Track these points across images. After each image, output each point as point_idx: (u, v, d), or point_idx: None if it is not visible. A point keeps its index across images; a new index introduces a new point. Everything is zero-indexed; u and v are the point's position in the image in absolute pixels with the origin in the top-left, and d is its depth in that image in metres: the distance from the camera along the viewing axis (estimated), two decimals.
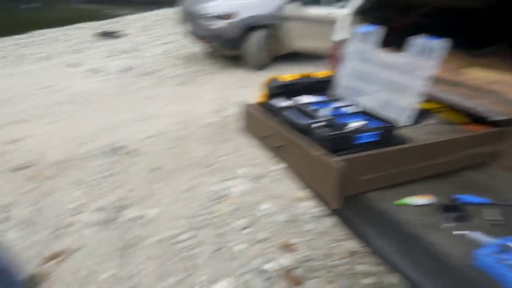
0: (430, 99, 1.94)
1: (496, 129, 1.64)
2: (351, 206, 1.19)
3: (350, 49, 1.62)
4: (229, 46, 5.55)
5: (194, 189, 2.52)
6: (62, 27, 10.03)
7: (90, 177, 2.68)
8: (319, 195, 1.29)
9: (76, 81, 5.30)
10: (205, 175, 2.68)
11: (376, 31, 1.56)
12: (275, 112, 1.45)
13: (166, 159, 2.93)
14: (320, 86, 1.71)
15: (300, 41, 5.68)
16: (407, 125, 1.73)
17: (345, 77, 1.64)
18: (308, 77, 1.71)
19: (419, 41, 1.32)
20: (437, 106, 1.90)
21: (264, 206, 2.32)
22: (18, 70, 5.93)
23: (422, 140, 1.37)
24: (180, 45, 7.35)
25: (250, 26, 5.47)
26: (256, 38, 5.56)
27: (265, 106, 1.55)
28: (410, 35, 2.55)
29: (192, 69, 5.82)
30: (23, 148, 3.12)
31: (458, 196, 1.23)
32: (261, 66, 5.74)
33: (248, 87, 4.78)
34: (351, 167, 1.06)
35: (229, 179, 2.62)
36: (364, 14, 2.22)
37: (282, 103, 1.47)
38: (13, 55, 6.96)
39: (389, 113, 1.40)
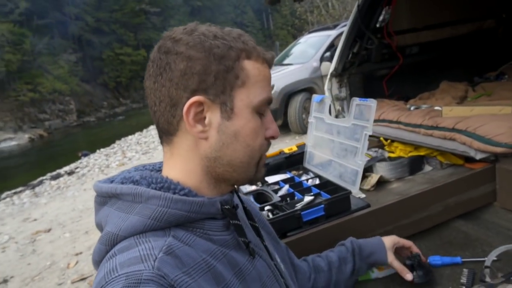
0: (417, 145, 1.86)
1: (486, 167, 1.50)
2: None
3: (311, 120, 1.68)
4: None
5: None
6: (141, 132, 11.63)
7: None
8: None
9: None
10: None
11: (327, 99, 1.61)
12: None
13: None
14: (293, 160, 1.76)
15: None
16: (402, 177, 1.67)
17: (310, 147, 1.67)
18: (280, 153, 1.78)
19: (354, 103, 1.35)
20: (429, 151, 1.80)
21: None
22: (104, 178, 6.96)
23: (385, 202, 1.31)
24: None
25: (289, 94, 5.77)
26: (296, 103, 5.80)
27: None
28: (406, 77, 2.51)
29: None
30: (90, 257, 3.56)
31: (430, 258, 1.13)
32: (305, 129, 5.86)
33: None
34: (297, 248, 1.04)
35: None
36: (341, 75, 2.28)
37: (248, 187, 1.55)
38: (100, 165, 8.20)
39: (345, 179, 1.38)
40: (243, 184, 0.68)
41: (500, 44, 2.81)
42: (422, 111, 2.01)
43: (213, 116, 0.58)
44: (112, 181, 0.60)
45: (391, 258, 0.98)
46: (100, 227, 0.58)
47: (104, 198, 0.59)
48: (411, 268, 1.00)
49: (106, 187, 0.58)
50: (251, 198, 1.37)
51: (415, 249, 1.04)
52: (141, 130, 11.83)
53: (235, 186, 0.68)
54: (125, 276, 0.45)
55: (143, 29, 26.49)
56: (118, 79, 24.68)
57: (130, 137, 11.28)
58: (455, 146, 1.64)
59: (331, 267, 0.95)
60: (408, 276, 0.97)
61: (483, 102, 2.11)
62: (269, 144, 0.67)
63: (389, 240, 1.01)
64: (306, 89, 5.90)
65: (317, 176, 1.55)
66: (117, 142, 10.88)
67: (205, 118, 0.58)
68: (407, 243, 1.04)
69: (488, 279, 0.97)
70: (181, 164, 0.61)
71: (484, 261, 1.06)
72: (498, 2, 2.73)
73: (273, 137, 0.66)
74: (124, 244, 0.51)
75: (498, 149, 1.44)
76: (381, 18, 2.22)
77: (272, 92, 5.68)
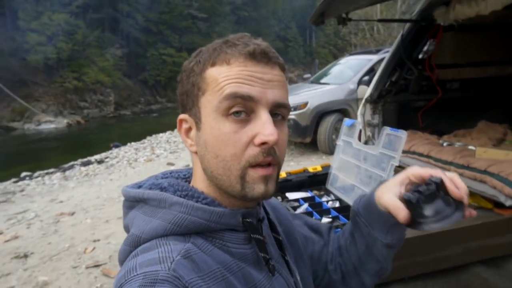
0: None
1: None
2: None
3: (339, 142, 1.67)
4: (301, 134, 5.86)
5: None
6: (172, 131, 11.91)
7: None
8: None
9: None
10: None
11: (358, 124, 1.60)
12: None
13: None
14: (317, 180, 1.76)
15: None
16: None
17: (335, 170, 1.67)
18: (304, 171, 1.79)
19: (385, 132, 1.34)
20: None
21: None
22: (130, 171, 7.17)
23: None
24: None
25: (322, 113, 5.76)
26: (328, 123, 5.78)
27: None
28: (443, 112, 2.45)
29: None
30: (106, 245, 3.67)
31: None
32: (333, 150, 5.82)
33: None
34: None
35: None
36: (376, 102, 2.26)
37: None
38: (129, 158, 8.46)
39: None
40: (243, 201, 0.59)
41: None
42: (455, 149, 1.96)
43: (193, 130, 0.61)
44: (140, 187, 0.63)
45: (382, 198, 0.65)
46: (127, 229, 0.60)
47: (132, 203, 0.61)
48: (415, 204, 0.58)
49: (134, 192, 0.60)
50: None
51: (439, 174, 0.60)
52: (172, 129, 12.11)
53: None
54: (143, 276, 0.47)
55: (188, 33, 27.34)
56: (157, 78, 25.49)
57: (161, 134, 11.57)
58: (485, 188, 1.59)
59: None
60: (401, 215, 0.59)
61: None
62: (263, 152, 0.55)
63: (393, 179, 0.66)
64: (340, 110, 5.87)
65: (338, 199, 1.54)
66: (148, 138, 11.19)
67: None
68: (425, 172, 0.62)
69: None
70: (199, 176, 0.62)
71: None
72: None
73: (264, 144, 0.54)
74: (146, 245, 0.54)
75: None
76: (424, 49, 2.20)
77: (305, 108, 5.70)
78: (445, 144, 2.08)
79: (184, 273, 0.48)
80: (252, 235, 0.60)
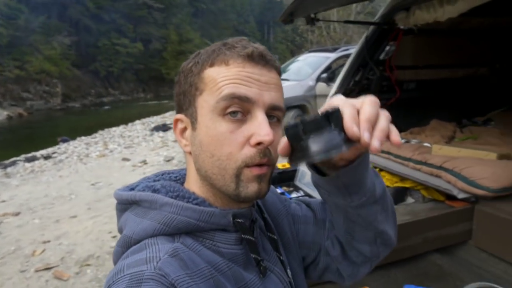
0: (403, 177, 1.91)
1: (466, 206, 1.56)
2: None
3: None
4: None
5: None
6: (126, 125, 11.45)
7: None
8: None
9: (125, 174, 5.87)
10: None
11: None
12: None
13: None
14: (285, 177, 1.77)
15: None
16: None
17: (303, 166, 1.69)
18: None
19: None
20: (413, 184, 1.85)
21: None
22: (81, 167, 6.79)
23: None
24: None
25: None
26: (286, 119, 5.87)
27: None
28: (400, 111, 2.58)
29: None
30: (58, 247, 3.46)
31: (406, 286, 1.15)
32: None
33: None
34: None
35: None
36: None
37: None
38: (79, 153, 8.01)
39: None
40: (236, 201, 0.58)
41: (491, 91, 2.94)
42: (412, 146, 2.07)
43: (188, 130, 0.61)
44: (132, 189, 0.64)
45: None
46: (120, 231, 0.61)
47: (125, 205, 0.62)
48: (292, 134, 0.48)
49: (126, 195, 0.61)
50: None
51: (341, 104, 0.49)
52: (126, 123, 11.65)
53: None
54: (129, 276, 0.47)
55: (144, 23, 26.34)
56: (110, 69, 24.33)
57: (114, 128, 11.08)
58: (440, 183, 1.70)
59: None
60: (279, 146, 0.50)
61: (469, 144, 2.19)
62: (260, 153, 0.55)
63: None
64: (299, 106, 5.98)
65: (307, 194, 1.57)
66: (100, 132, 10.66)
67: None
68: (335, 102, 0.50)
69: None
70: (192, 176, 0.63)
71: None
72: (493, 52, 2.87)
73: (260, 144, 0.54)
74: (136, 247, 0.54)
75: (480, 192, 1.50)
76: (385, 51, 2.30)
77: None
78: (403, 141, 2.20)
79: (171, 271, 0.48)
80: (243, 236, 0.59)
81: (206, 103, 0.57)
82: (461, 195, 1.59)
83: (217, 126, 0.55)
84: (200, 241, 0.57)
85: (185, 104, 0.60)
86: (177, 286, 0.47)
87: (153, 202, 0.57)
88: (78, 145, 8.97)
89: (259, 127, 0.54)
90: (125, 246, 0.56)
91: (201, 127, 0.57)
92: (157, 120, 11.70)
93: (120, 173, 5.96)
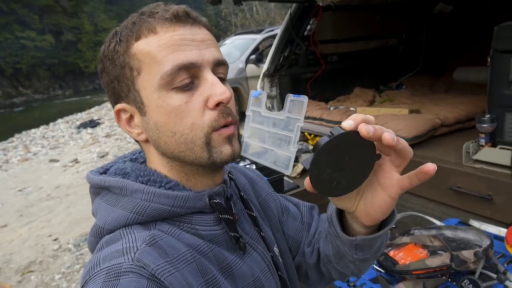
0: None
1: None
2: None
3: (248, 113, 1.81)
4: None
5: None
6: (47, 125, 10.54)
7: (57, 275, 2.75)
8: None
9: (55, 176, 5.49)
10: None
11: (263, 95, 1.76)
12: None
13: None
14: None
15: None
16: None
17: (246, 138, 1.81)
18: None
19: (289, 99, 1.52)
20: None
21: None
22: (2, 174, 6.17)
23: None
24: None
25: None
26: None
27: None
28: (327, 82, 2.85)
29: None
30: None
31: None
32: None
33: None
34: None
35: None
36: (272, 76, 2.50)
37: None
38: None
39: (279, 165, 1.55)
40: (212, 169, 0.58)
41: (400, 59, 3.34)
42: (340, 111, 2.32)
43: (137, 117, 0.56)
44: (106, 170, 0.60)
45: None
46: (95, 216, 0.58)
47: (97, 189, 0.58)
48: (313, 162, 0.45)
49: (97, 179, 0.56)
50: None
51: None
52: (46, 123, 10.70)
53: (224, 175, 0.62)
54: (106, 270, 0.45)
55: (51, 13, 23.94)
56: (17, 66, 21.87)
57: (33, 130, 10.12)
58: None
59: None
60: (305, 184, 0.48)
61: (387, 105, 2.51)
62: (223, 113, 0.53)
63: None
64: (232, 89, 6.08)
65: (253, 162, 1.69)
66: (17, 135, 9.67)
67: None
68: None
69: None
70: (157, 163, 0.58)
71: None
72: (399, 24, 3.25)
73: (220, 104, 0.52)
74: (110, 236, 0.52)
75: None
76: (308, 27, 2.49)
77: None
78: (332, 108, 2.44)
79: (150, 261, 0.46)
80: (221, 216, 0.57)
81: (148, 83, 0.52)
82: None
83: (169, 102, 0.51)
84: (178, 226, 0.54)
85: (123, 91, 0.55)
86: (158, 276, 0.45)
87: (123, 188, 0.53)
88: None
89: (213, 88, 0.52)
90: (98, 236, 0.54)
91: (151, 109, 0.53)
92: (82, 116, 10.94)
93: (49, 175, 5.56)
